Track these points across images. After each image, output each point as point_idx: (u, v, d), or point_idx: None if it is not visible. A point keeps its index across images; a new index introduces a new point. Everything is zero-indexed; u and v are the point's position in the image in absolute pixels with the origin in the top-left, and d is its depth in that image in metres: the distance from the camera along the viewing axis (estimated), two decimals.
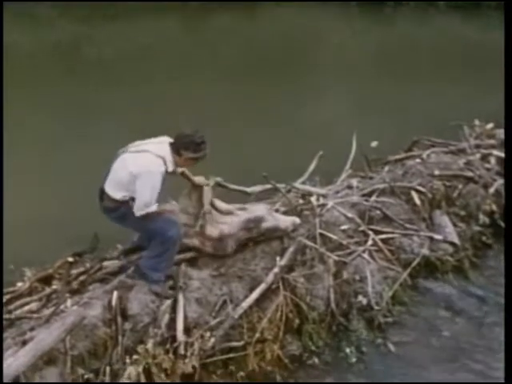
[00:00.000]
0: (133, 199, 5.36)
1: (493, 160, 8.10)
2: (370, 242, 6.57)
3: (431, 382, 5.36)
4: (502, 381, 5.02)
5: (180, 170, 5.66)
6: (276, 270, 5.86)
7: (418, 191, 7.29)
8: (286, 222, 6.28)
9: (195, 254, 5.98)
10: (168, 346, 5.25)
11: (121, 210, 5.44)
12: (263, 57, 12.41)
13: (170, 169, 5.37)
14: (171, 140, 5.44)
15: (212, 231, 5.88)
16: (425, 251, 6.73)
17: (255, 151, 8.30)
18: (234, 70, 11.88)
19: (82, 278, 5.81)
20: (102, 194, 5.50)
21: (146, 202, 5.31)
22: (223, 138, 8.41)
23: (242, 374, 5.43)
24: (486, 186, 7.65)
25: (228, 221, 5.96)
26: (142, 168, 5.28)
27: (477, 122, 8.87)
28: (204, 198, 5.88)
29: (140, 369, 5.01)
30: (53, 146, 8.88)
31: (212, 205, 5.95)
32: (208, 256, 5.95)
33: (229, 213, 6.04)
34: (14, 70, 10.36)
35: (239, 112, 9.71)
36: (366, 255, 6.40)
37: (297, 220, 6.36)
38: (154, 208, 5.36)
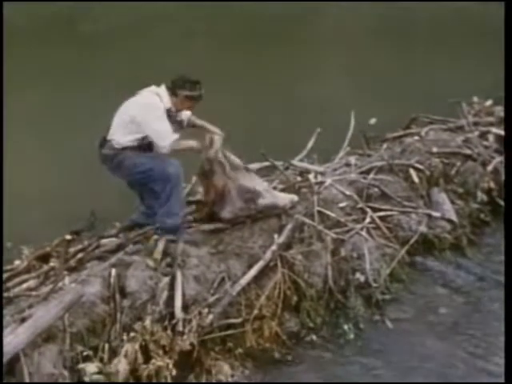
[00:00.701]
0: (143, 139, 5.50)
1: (491, 137, 8.07)
2: (367, 220, 6.56)
3: (433, 383, 5.37)
4: (499, 354, 5.12)
5: (187, 118, 5.79)
6: (274, 247, 5.87)
7: (416, 169, 7.27)
8: (285, 199, 6.27)
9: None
10: (166, 323, 5.27)
11: (119, 158, 5.52)
12: (261, 31, 12.32)
13: (168, 105, 5.54)
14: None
15: (218, 181, 5.87)
16: (423, 229, 6.73)
17: (253, 128, 8.28)
18: (232, 45, 11.81)
19: (80, 255, 5.82)
20: (104, 142, 5.59)
21: (161, 133, 5.47)
22: (220, 115, 8.37)
23: (240, 350, 5.45)
24: (484, 164, 7.63)
25: (233, 177, 5.96)
26: (140, 105, 5.51)
27: (475, 99, 8.84)
28: (214, 144, 5.84)
29: (137, 346, 5.03)
30: (51, 123, 8.84)
31: (224, 154, 5.94)
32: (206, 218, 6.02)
33: (237, 168, 6.04)
34: (11, 45, 10.27)
35: (236, 89, 9.66)
36: (363, 233, 6.41)
37: (295, 198, 6.35)
38: (175, 136, 5.50)
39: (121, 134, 5.55)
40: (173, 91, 5.59)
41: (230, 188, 5.94)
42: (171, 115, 5.64)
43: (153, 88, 5.64)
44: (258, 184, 6.18)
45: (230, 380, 5.28)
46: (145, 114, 5.49)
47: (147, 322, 5.18)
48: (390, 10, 12.42)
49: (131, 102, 5.60)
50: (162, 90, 5.60)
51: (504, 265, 5.38)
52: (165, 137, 5.49)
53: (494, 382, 5.22)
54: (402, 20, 12.40)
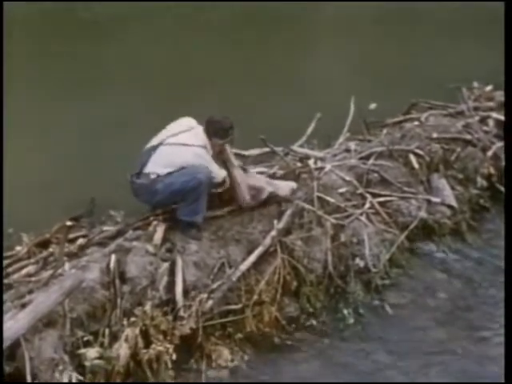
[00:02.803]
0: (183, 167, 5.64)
1: (491, 122, 8.05)
2: (367, 205, 6.56)
3: (433, 383, 5.38)
4: (497, 338, 5.14)
5: None
6: (273, 232, 5.88)
7: (416, 154, 7.26)
8: (285, 189, 6.27)
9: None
10: (166, 308, 5.30)
11: (154, 186, 5.67)
12: (261, 18, 12.29)
13: (211, 152, 5.77)
14: (200, 126, 5.82)
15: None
16: (422, 214, 6.73)
17: (252, 113, 8.27)
18: (232, 29, 11.79)
19: (80, 241, 5.83)
20: (139, 174, 5.76)
21: (217, 177, 5.79)
22: (220, 99, 8.38)
23: (239, 335, 5.47)
24: (484, 149, 7.61)
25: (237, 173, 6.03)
26: (195, 162, 5.63)
27: (475, 84, 8.82)
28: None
29: (137, 331, 5.05)
30: (51, 110, 8.83)
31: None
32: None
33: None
34: (10, 34, 10.24)
35: (236, 73, 9.65)
36: (363, 218, 6.41)
37: (294, 185, 6.35)
38: (224, 173, 5.84)
39: (163, 168, 5.69)
40: (207, 136, 5.79)
41: (240, 181, 5.96)
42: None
43: (197, 139, 5.74)
44: (258, 180, 6.21)
45: (229, 365, 5.31)
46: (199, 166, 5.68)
47: (147, 307, 5.19)
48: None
49: (179, 152, 5.69)
50: (205, 139, 5.76)
51: (505, 282, 5.33)
52: (217, 176, 5.78)
53: (494, 376, 5.21)
54: (403, 7, 12.35)
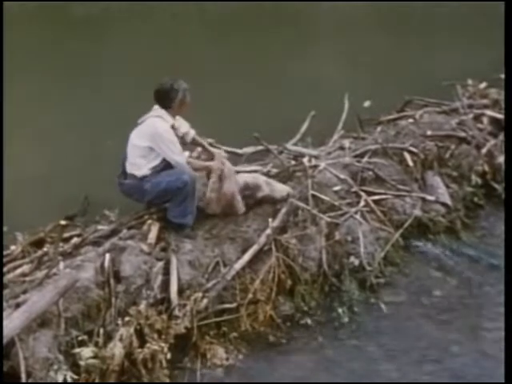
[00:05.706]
0: (162, 162, 5.70)
1: (485, 120, 8.06)
2: (362, 203, 6.56)
3: (430, 382, 5.38)
4: (492, 336, 5.15)
5: (190, 136, 5.98)
6: (268, 231, 5.88)
7: (410, 152, 7.27)
8: (282, 192, 6.26)
9: None
10: (161, 307, 5.29)
11: (142, 185, 5.71)
12: (252, 12, 12.29)
13: (171, 122, 5.74)
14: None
15: (228, 189, 5.94)
16: (417, 212, 6.74)
17: (246, 112, 8.26)
18: (224, 27, 11.79)
19: (74, 241, 5.82)
20: (125, 175, 5.80)
21: (175, 159, 5.69)
22: (212, 97, 8.37)
23: (234, 334, 5.47)
24: (478, 147, 7.62)
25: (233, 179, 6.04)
26: (149, 133, 5.68)
27: (470, 82, 8.82)
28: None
29: (132, 330, 5.04)
30: (47, 108, 8.81)
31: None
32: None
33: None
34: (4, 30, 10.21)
35: (228, 71, 9.64)
36: (358, 216, 6.41)
37: (291, 190, 6.33)
38: (184, 156, 5.78)
39: (140, 164, 5.73)
40: (163, 106, 5.77)
41: (235, 193, 5.98)
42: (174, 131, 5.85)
43: (153, 112, 5.78)
44: (256, 177, 6.20)
45: (224, 363, 5.31)
46: (158, 143, 5.68)
47: (142, 307, 5.19)
48: None
49: (142, 132, 5.74)
50: (159, 110, 5.76)
51: (505, 258, 5.34)
52: (179, 161, 5.73)
53: (489, 374, 5.21)
54: (398, 3, 12.36)
